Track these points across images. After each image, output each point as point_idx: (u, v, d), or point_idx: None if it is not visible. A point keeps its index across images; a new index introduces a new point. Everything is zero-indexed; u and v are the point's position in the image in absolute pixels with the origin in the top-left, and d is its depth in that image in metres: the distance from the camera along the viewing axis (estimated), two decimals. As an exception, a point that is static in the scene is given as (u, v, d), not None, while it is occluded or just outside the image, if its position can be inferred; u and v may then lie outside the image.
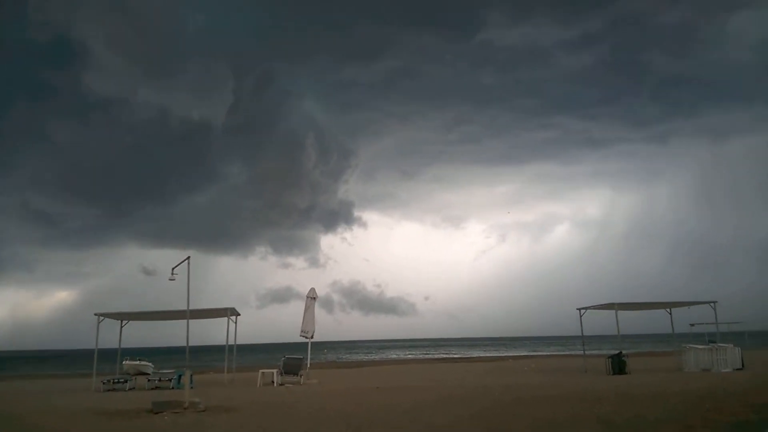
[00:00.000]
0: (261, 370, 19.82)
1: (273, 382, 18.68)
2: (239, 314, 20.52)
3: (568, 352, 48.76)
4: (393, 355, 62.51)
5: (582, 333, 24.65)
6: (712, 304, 23.42)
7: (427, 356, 56.14)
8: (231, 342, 20.42)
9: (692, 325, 35.52)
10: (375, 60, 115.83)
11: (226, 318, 20.15)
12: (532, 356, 48.84)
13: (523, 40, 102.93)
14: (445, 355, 57.18)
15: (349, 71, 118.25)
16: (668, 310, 25.39)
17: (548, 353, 54.05)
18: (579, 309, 24.16)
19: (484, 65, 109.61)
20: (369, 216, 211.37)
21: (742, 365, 20.66)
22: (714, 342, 23.07)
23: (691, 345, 22.72)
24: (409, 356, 56.85)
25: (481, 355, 54.43)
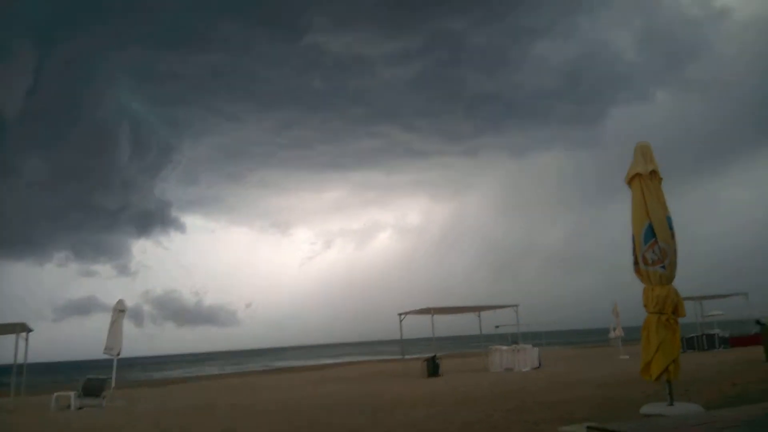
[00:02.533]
0: (56, 393, 17.49)
1: (70, 406, 16.56)
2: (31, 330, 17.97)
3: (389, 357, 50.36)
4: (211, 369, 59.41)
5: (401, 337, 25.49)
6: (514, 308, 25.59)
7: (246, 369, 54.14)
8: (20, 361, 17.83)
9: (497, 326, 38.67)
10: (199, 52, 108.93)
11: (14, 335, 17.56)
12: (354, 363, 49.67)
13: (348, 48, 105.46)
14: (265, 367, 55.75)
15: (170, 61, 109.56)
16: (477, 313, 27.29)
17: (371, 358, 55.42)
18: (399, 314, 24.96)
19: (313, 69, 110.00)
20: (191, 219, 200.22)
21: (539, 364, 22.80)
22: (516, 343, 25.23)
23: (496, 346, 24.59)
24: (228, 370, 54.37)
25: (304, 364, 54.01)
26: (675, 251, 7.17)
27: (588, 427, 5.94)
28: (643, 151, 7.46)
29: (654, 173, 7.35)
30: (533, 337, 40.54)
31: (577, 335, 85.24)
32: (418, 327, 28.19)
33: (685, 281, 7.33)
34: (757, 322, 20.53)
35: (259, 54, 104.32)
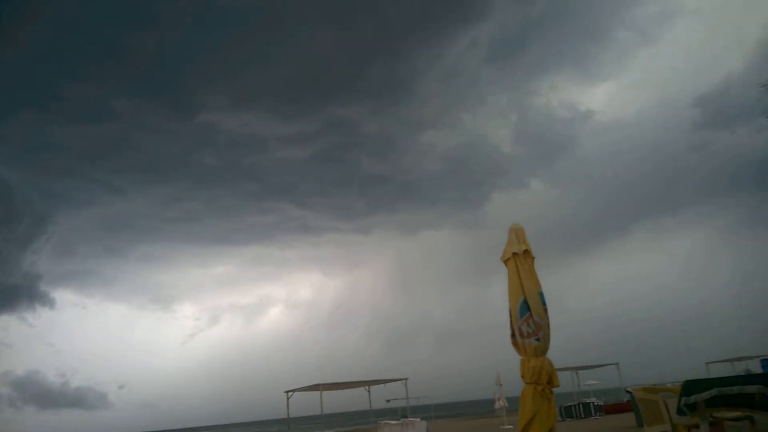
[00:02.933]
0: None
1: None
2: None
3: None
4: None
5: (288, 415, 24.54)
6: (404, 381, 25.63)
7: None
8: None
9: (388, 401, 38.41)
10: (86, 123, 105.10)
11: None
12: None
13: (243, 128, 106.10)
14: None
15: (54, 131, 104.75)
16: (367, 387, 27.00)
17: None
18: (287, 392, 24.12)
19: (206, 146, 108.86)
20: (61, 294, 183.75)
21: (428, 437, 22.78)
22: (405, 416, 25.12)
23: (385, 421, 24.33)
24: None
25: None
26: (548, 325, 7.64)
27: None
28: (517, 233, 8.04)
29: (527, 252, 7.91)
30: (423, 410, 40.56)
31: (465, 407, 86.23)
32: (307, 404, 27.39)
33: (561, 353, 7.78)
34: (627, 391, 21.94)
35: (149, 128, 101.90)
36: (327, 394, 24.71)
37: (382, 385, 27.00)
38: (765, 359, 5.19)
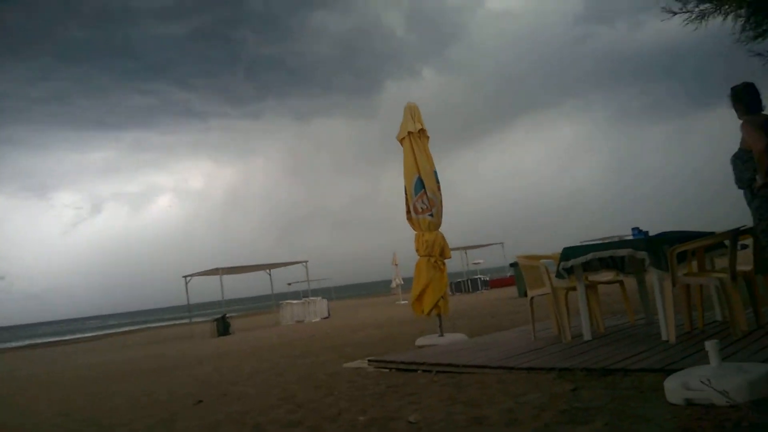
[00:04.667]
0: None
1: None
2: None
3: (176, 322, 48.19)
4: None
5: (188, 301, 24.50)
6: (304, 263, 26.13)
7: (9, 346, 47.51)
8: None
9: (289, 284, 39.27)
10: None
11: None
12: (136, 330, 46.65)
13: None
14: (32, 342, 49.60)
15: None
16: (268, 271, 27.32)
17: (155, 325, 52.51)
18: (185, 276, 23.90)
19: (71, 17, 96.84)
20: None
21: (329, 314, 23.74)
22: (308, 297, 25.89)
23: (288, 301, 24.98)
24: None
25: (74, 337, 49.05)
26: (441, 202, 7.90)
27: (369, 360, 6.40)
28: (412, 112, 8.01)
29: (422, 131, 7.96)
30: (324, 292, 41.95)
31: (365, 288, 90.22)
32: (207, 290, 27.38)
33: (451, 235, 8.09)
34: (511, 265, 23.73)
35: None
36: (227, 279, 24.77)
37: (283, 268, 27.41)
38: (635, 228, 5.69)
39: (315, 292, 31.58)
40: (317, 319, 22.73)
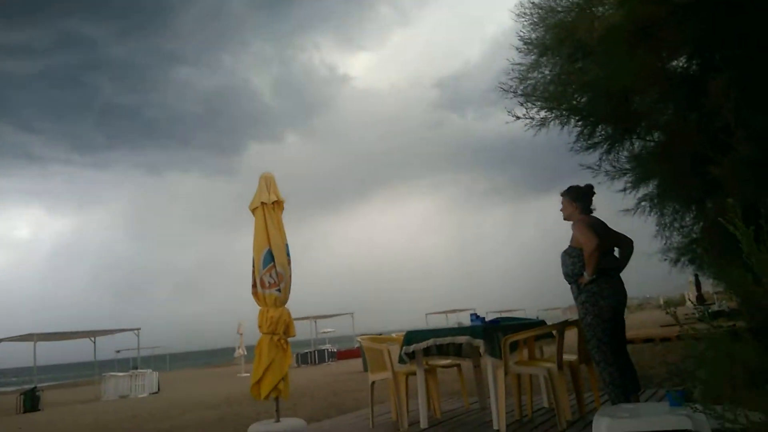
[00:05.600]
0: None
1: None
2: None
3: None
4: None
5: (-9, 369, 21.25)
6: (135, 331, 24.01)
7: None
8: None
9: (118, 351, 35.86)
10: None
11: None
12: None
13: None
14: None
15: None
16: (92, 338, 24.69)
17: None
18: (-9, 342, 20.82)
19: None
20: None
21: (158, 389, 21.76)
22: (136, 368, 23.65)
23: (112, 373, 22.60)
24: None
25: None
26: (290, 276, 7.64)
27: (193, 454, 5.77)
28: (267, 181, 7.79)
29: (277, 203, 7.74)
30: (159, 360, 38.79)
31: (206, 356, 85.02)
32: (20, 355, 24.07)
33: (301, 304, 7.85)
34: (358, 340, 23.68)
35: None
36: (45, 345, 21.98)
37: (111, 335, 24.95)
38: (474, 313, 6.00)
39: (147, 361, 29.03)
40: (145, 394, 20.69)
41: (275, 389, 7.26)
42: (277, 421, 7.30)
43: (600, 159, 6.10)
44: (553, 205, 5.05)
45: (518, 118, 6.05)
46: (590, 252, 4.39)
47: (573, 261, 4.59)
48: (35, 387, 19.04)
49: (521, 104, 6.00)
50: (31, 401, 18.42)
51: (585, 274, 4.46)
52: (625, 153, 6.13)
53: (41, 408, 18.31)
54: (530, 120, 6.03)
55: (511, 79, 6.02)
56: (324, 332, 37.76)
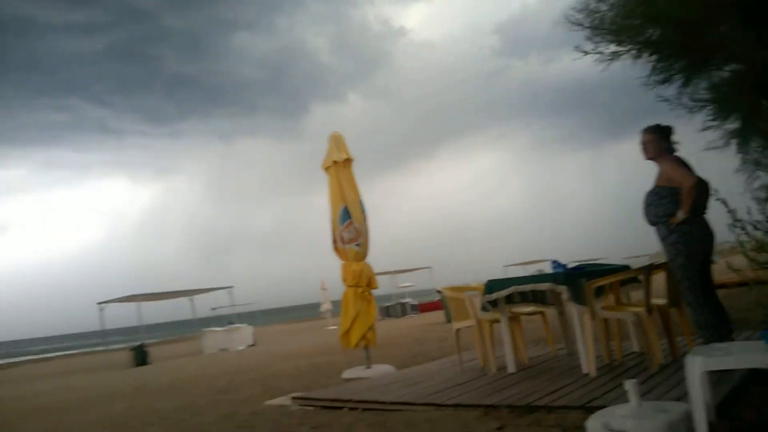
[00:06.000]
0: None
1: None
2: None
3: (90, 349, 45.48)
4: None
5: (103, 328, 23.22)
6: (229, 289, 25.39)
7: None
8: None
9: (213, 309, 38.04)
10: None
11: None
12: (47, 359, 43.71)
13: (15, 10, 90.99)
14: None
15: None
16: (190, 297, 26.34)
17: (67, 353, 49.41)
18: (99, 303, 22.68)
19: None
20: None
21: (254, 342, 23.09)
22: (232, 323, 25.11)
23: (210, 328, 24.13)
24: None
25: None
26: (367, 232, 7.88)
27: (293, 398, 6.19)
28: (336, 141, 8.00)
29: (347, 161, 7.94)
30: (250, 317, 40.86)
31: (293, 311, 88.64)
32: (125, 315, 26.09)
33: (379, 259, 8.09)
34: (439, 291, 23.97)
35: None
36: (147, 305, 23.69)
37: (207, 293, 26.52)
38: (555, 260, 5.90)
39: (240, 317, 30.67)
40: (242, 347, 22.03)
41: (363, 338, 7.63)
42: (368, 367, 7.68)
43: (677, 92, 5.81)
44: (630, 148, 4.89)
45: (587, 53, 5.81)
46: (689, 189, 4.27)
47: (662, 201, 4.47)
48: (142, 344, 20.67)
49: (589, 39, 5.76)
50: (140, 356, 20.07)
51: (679, 213, 4.33)
52: (704, 85, 5.79)
53: (150, 362, 19.93)
54: (599, 55, 5.78)
55: (579, 11, 5.76)
56: (403, 287, 38.36)
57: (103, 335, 23.91)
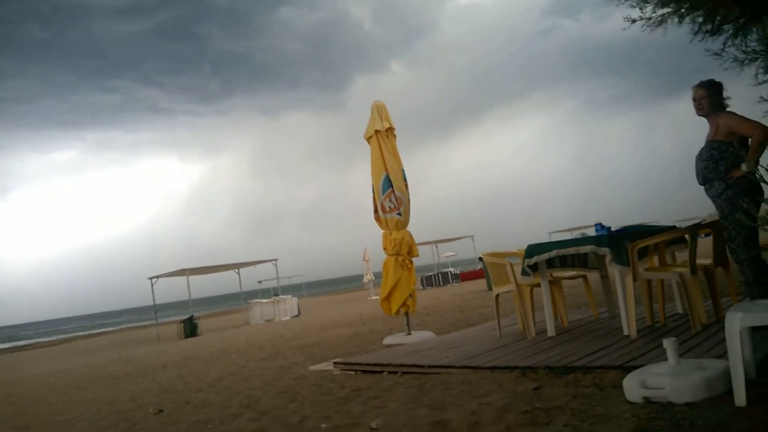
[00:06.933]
0: None
1: None
2: None
3: (141, 323, 47.31)
4: None
5: (154, 301, 24.08)
6: (273, 262, 25.88)
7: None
8: None
9: (260, 282, 38.94)
10: None
11: None
12: (102, 333, 45.74)
13: None
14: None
15: None
16: (236, 270, 26.98)
17: (121, 327, 51.55)
18: (150, 278, 23.48)
19: (29, 16, 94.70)
20: None
21: (298, 312, 23.58)
22: (278, 295, 25.68)
23: (257, 300, 24.74)
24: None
25: (41, 341, 47.92)
26: (408, 200, 7.87)
27: (335, 363, 6.33)
28: (379, 110, 7.95)
29: (390, 130, 7.90)
30: (295, 289, 41.69)
31: (336, 283, 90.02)
32: (174, 290, 26.98)
33: (421, 229, 8.08)
34: (480, 259, 23.91)
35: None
36: (194, 279, 24.38)
37: (252, 267, 27.11)
38: (599, 223, 5.77)
39: (285, 289, 31.34)
40: (287, 318, 22.55)
41: (404, 305, 7.69)
42: (408, 334, 7.76)
43: (724, 45, 5.57)
44: (684, 106, 4.72)
45: (634, 21, 5.68)
46: (760, 140, 4.12)
47: (723, 155, 4.31)
48: (192, 315, 21.37)
49: (635, 5, 5.63)
50: (190, 328, 20.77)
51: (743, 165, 4.16)
52: (755, 35, 5.52)
53: (200, 333, 20.61)
54: (648, 20, 5.64)
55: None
56: (446, 256, 38.36)
57: (155, 309, 24.77)
